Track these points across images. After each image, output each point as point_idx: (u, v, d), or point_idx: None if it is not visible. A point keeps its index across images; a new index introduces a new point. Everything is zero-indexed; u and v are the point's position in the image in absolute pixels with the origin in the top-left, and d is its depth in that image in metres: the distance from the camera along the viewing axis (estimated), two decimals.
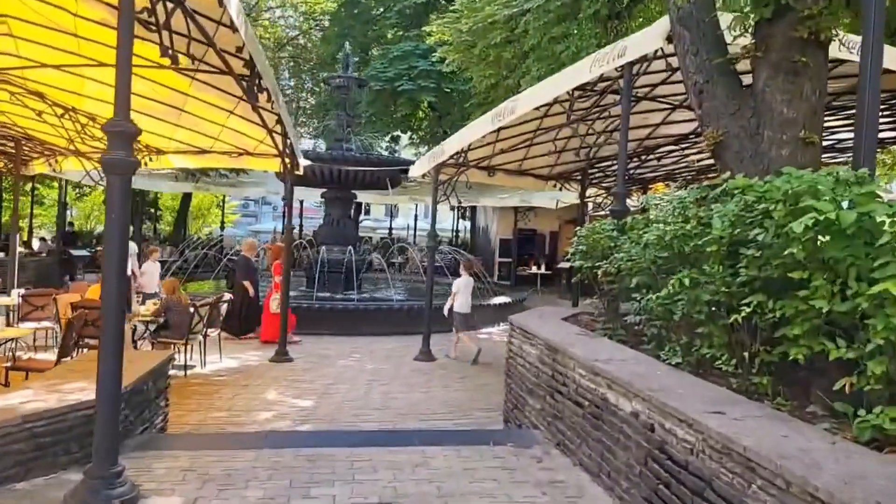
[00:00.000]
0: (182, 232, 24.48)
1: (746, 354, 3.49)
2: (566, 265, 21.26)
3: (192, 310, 7.89)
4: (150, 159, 10.03)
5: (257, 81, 6.40)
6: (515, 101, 7.73)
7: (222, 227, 23.64)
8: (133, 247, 11.05)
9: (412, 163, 11.44)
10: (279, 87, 30.57)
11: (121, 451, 4.19)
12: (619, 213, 6.09)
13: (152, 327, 8.25)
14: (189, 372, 8.05)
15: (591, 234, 5.63)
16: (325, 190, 15.62)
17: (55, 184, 22.20)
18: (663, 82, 7.96)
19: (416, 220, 27.81)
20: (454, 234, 27.84)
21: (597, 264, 5.36)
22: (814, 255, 2.81)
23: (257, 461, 4.10)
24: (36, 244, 20.71)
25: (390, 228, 26.50)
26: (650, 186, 13.64)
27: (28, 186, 22.99)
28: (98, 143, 9.48)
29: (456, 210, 28.09)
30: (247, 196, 39.30)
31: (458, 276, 10.38)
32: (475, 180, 11.22)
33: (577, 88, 7.42)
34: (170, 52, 4.37)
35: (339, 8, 25.51)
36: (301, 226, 24.07)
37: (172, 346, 8.11)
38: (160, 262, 14.28)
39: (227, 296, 9.03)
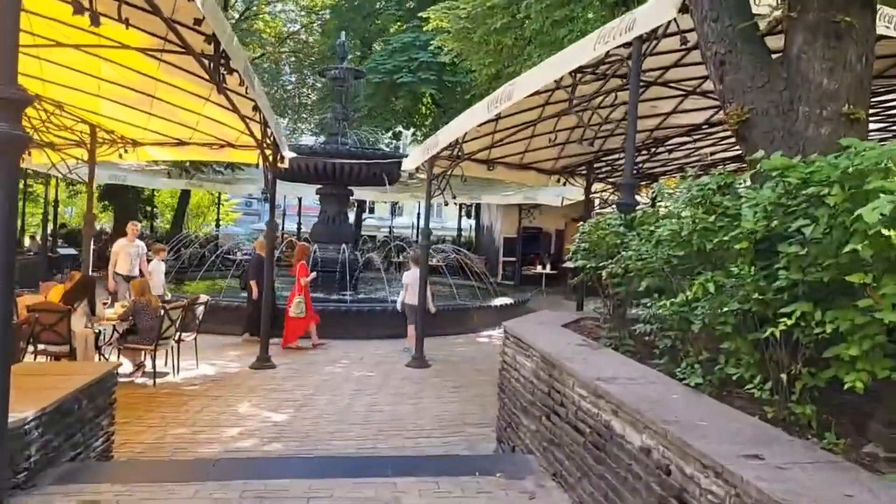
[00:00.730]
0: (180, 230, 23.93)
1: (784, 377, 2.82)
2: (572, 265, 20.52)
3: (162, 313, 7.27)
4: (126, 150, 9.41)
5: (223, 61, 5.76)
6: (513, 85, 7.05)
7: (217, 225, 23.06)
8: (141, 245, 10.27)
9: (406, 157, 10.79)
10: (281, 82, 29.88)
11: (37, 484, 3.57)
12: (626, 207, 5.42)
13: (122, 329, 7.64)
14: (160, 381, 7.44)
15: (595, 230, 4.96)
16: (319, 186, 15.02)
17: (51, 181, 21.75)
18: (675, 64, 7.28)
19: (418, 218, 27.17)
20: (458, 232, 27.17)
21: (601, 264, 4.68)
22: (883, 252, 2.14)
23: (195, 498, 3.46)
24: (27, 242, 20.28)
25: (391, 227, 25.86)
26: (659, 181, 12.91)
27: (20, 184, 22.53)
28: (67, 134, 8.88)
29: (460, 208, 27.42)
30: (249, 193, 38.76)
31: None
32: (473, 174, 10.55)
33: (579, 70, 6.75)
34: (86, 10, 3.73)
35: (340, 1, 24.89)
36: (299, 224, 23.52)
37: (142, 352, 7.52)
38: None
39: (203, 297, 8.40)
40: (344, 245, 13.52)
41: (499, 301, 13.08)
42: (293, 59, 30.44)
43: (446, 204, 9.28)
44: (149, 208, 24.11)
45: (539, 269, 20.39)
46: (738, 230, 2.83)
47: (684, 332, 3.50)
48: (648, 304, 4.14)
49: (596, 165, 10.87)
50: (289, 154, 9.14)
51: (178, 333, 7.67)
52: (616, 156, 10.28)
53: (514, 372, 5.03)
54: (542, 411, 4.24)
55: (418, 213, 27.15)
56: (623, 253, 4.37)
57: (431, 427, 6.15)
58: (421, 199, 22.85)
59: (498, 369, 5.54)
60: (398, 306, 9.95)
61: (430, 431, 6.01)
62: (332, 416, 6.34)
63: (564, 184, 11.41)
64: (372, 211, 40.56)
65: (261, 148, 7.95)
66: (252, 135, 7.66)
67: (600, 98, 7.05)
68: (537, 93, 7.76)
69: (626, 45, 5.78)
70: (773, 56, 4.01)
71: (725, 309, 2.96)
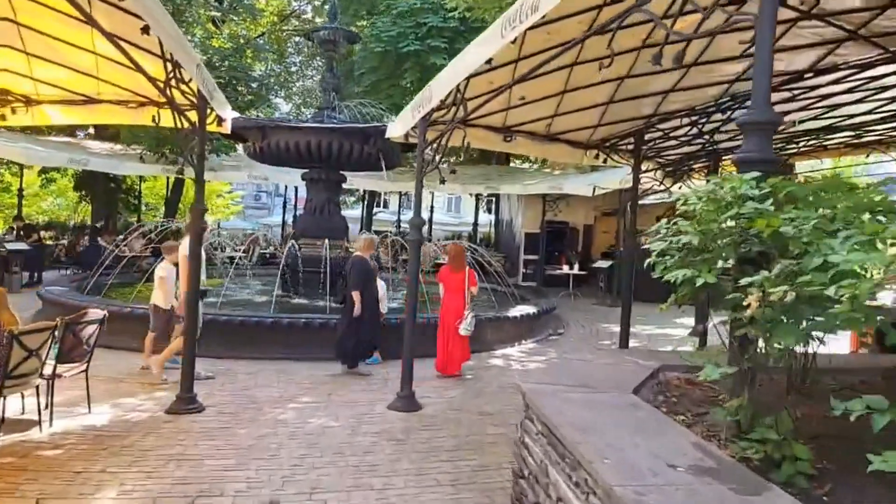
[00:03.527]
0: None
1: None
2: (605, 264, 17.88)
3: (13, 340, 4.84)
4: (13, 111, 6.99)
5: None
6: None
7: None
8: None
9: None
10: (285, 64, 27.58)
11: None
12: (765, 165, 2.81)
13: None
14: (14, 437, 5.03)
15: (716, 208, 2.38)
16: (305, 171, 12.58)
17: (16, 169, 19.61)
18: None
19: (431, 211, 24.67)
20: (475, 227, 24.60)
21: (743, 281, 2.11)
22: None
23: None
24: None
25: (398, 221, 23.37)
26: (721, 163, 10.16)
27: None
28: None
29: (477, 200, 24.87)
30: (261, 182, 36.52)
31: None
32: (487, 146, 8.01)
33: None
34: None
35: None
36: (295, 217, 21.14)
37: None
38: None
39: (97, 312, 5.95)
40: (328, 240, 11.11)
41: (519, 310, 10.50)
42: (297, 39, 28.07)
43: (442, 182, 6.74)
44: (134, 200, 21.82)
45: (566, 269, 17.68)
46: None
47: None
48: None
49: (647, 136, 8.16)
50: (230, 115, 6.67)
51: (44, 367, 5.26)
52: (676, 122, 7.58)
53: (542, 496, 2.48)
54: None
55: (431, 206, 24.66)
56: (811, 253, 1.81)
57: None
58: (434, 190, 20.37)
59: (512, 477, 2.99)
60: (384, 310, 8.41)
61: None
62: None
63: (605, 161, 8.75)
64: (386, 206, 38.23)
65: (167, 98, 5.43)
66: (141, 70, 5.15)
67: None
68: (576, 13, 5.24)
69: None
70: None
71: None
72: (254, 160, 13.16)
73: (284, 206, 24.75)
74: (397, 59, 16.29)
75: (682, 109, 7.27)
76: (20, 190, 17.36)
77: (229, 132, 7.06)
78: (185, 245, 7.12)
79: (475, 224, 24.73)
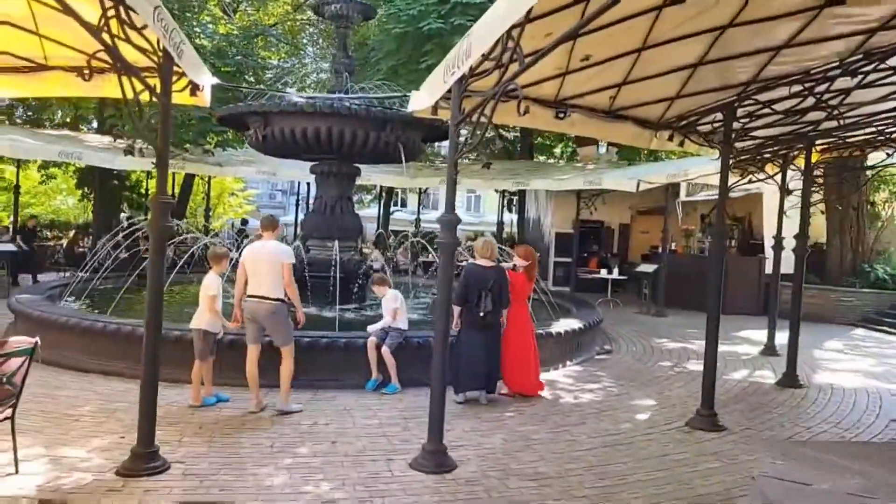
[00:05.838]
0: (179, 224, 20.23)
1: None
2: (649, 269, 16.14)
3: None
4: None
5: None
6: None
7: (207, 218, 19.16)
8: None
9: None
10: (300, 55, 26.03)
11: None
12: None
13: None
14: None
15: None
16: (314, 163, 11.10)
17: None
18: None
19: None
20: (499, 227, 22.96)
21: None
22: None
23: None
24: None
25: (417, 220, 21.79)
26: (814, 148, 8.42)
27: None
28: None
29: (501, 197, 23.23)
30: (270, 177, 35.30)
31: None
32: (532, 125, 6.46)
33: None
34: None
35: None
36: (306, 215, 19.75)
37: None
38: None
39: (17, 342, 4.46)
40: (338, 241, 9.63)
41: (563, 325, 8.86)
42: (312, 30, 26.69)
43: (488, 166, 5.18)
44: (140, 198, 20.51)
45: (604, 273, 15.92)
46: None
47: None
48: None
49: (740, 113, 6.40)
50: (209, 81, 5.14)
51: None
52: (782, 90, 5.87)
53: None
54: None
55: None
56: None
57: None
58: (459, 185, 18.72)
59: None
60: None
61: None
62: None
63: (681, 143, 7.07)
64: (405, 205, 36.83)
65: (104, 46, 3.91)
66: (71, 13, 3.63)
67: None
68: None
69: None
70: None
71: None
72: (256, 150, 11.74)
73: (297, 205, 23.34)
74: (417, 40, 14.74)
75: (794, 73, 5.59)
76: (17, 187, 16.15)
77: (207, 104, 5.54)
78: (260, 248, 5.98)
79: (500, 223, 23.09)
